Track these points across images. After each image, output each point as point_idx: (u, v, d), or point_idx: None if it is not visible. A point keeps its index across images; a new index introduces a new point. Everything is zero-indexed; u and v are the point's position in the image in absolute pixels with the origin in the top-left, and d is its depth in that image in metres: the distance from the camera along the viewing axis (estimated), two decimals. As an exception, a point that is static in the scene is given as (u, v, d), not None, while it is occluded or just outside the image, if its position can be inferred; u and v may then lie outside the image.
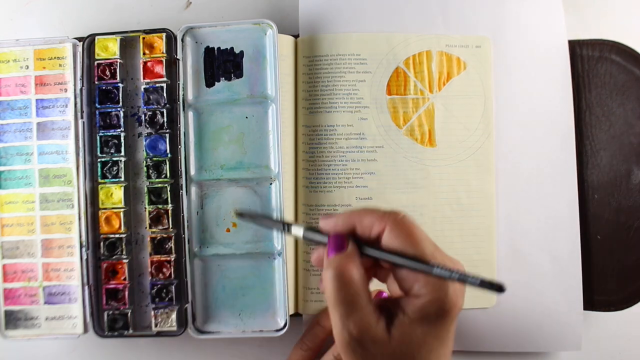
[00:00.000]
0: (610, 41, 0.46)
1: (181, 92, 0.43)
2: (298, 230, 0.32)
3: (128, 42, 0.45)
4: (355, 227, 0.31)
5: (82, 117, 0.44)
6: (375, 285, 0.34)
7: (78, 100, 0.44)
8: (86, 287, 0.43)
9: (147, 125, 0.44)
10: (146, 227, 0.44)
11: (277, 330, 0.43)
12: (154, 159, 0.44)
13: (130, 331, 0.43)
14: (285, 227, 0.33)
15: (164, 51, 0.44)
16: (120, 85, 0.44)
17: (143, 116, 0.44)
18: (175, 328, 0.43)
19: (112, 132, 0.44)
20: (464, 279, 0.27)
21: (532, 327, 0.45)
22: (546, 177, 0.45)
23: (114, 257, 0.44)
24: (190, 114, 0.44)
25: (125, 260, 0.44)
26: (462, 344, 0.45)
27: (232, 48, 0.44)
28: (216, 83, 0.44)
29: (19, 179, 0.44)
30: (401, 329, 0.29)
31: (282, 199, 0.43)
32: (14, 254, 0.44)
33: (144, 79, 0.44)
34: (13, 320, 0.44)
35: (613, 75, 0.46)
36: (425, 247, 0.29)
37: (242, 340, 0.46)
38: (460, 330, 0.45)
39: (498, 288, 0.25)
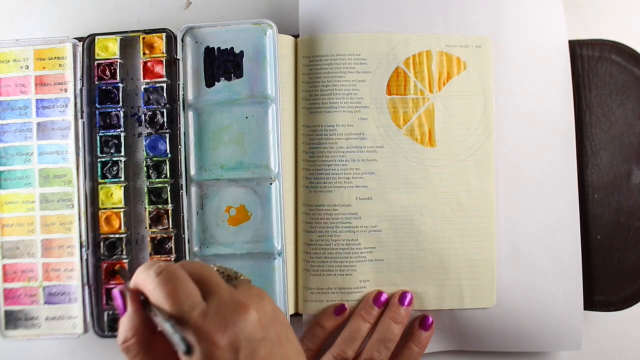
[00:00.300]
0: (610, 41, 0.46)
1: (181, 92, 0.43)
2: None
3: (128, 42, 0.45)
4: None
5: (82, 117, 0.44)
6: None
7: (78, 100, 0.44)
8: (86, 287, 0.43)
9: (147, 125, 0.44)
10: (146, 227, 0.44)
11: (277, 330, 0.43)
12: (154, 159, 0.44)
13: (130, 331, 0.43)
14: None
15: (164, 51, 0.44)
16: (120, 85, 0.44)
17: (143, 116, 0.44)
18: (175, 328, 0.43)
19: (112, 132, 0.44)
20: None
21: (532, 327, 0.45)
22: (546, 177, 0.45)
23: (114, 257, 0.44)
24: (190, 114, 0.44)
25: (125, 260, 0.44)
26: (462, 344, 0.45)
27: (232, 48, 0.44)
28: (216, 83, 0.44)
29: (19, 179, 0.44)
30: None
31: (282, 199, 0.43)
32: (14, 254, 0.44)
33: (144, 79, 0.44)
34: (13, 320, 0.44)
35: (613, 75, 0.46)
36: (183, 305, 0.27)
37: (242, 340, 0.46)
38: (460, 330, 0.45)
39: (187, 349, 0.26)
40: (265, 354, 0.27)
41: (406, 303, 0.43)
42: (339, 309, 0.44)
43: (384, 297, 0.44)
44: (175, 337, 0.26)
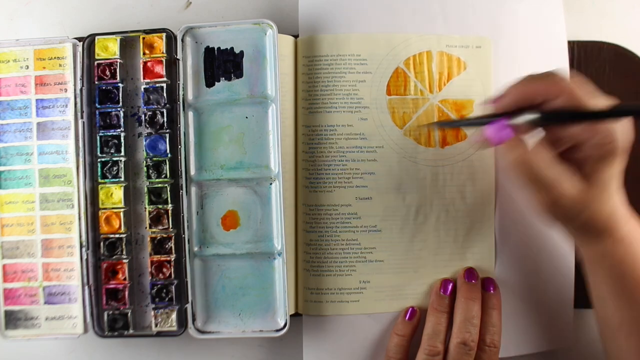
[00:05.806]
0: (609, 43, 0.46)
1: (181, 92, 0.43)
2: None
3: (128, 42, 0.45)
4: (521, 99, 0.34)
5: (82, 117, 0.44)
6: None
7: (78, 100, 0.44)
8: (86, 287, 0.43)
9: (147, 125, 0.44)
10: (146, 227, 0.44)
11: (277, 330, 0.43)
12: (154, 159, 0.44)
13: (130, 331, 0.43)
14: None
15: (164, 51, 0.44)
16: (120, 85, 0.44)
17: (143, 116, 0.44)
18: (175, 328, 0.43)
19: (112, 132, 0.44)
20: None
21: (528, 326, 0.45)
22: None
23: (114, 257, 0.44)
24: (190, 114, 0.44)
25: (125, 260, 0.44)
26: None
27: (232, 48, 0.44)
28: (216, 83, 0.44)
29: (19, 179, 0.44)
30: (595, 177, 0.34)
31: (282, 199, 0.43)
32: (14, 254, 0.44)
33: (144, 79, 0.44)
34: (13, 320, 0.44)
35: (613, 76, 0.46)
36: (597, 103, 0.33)
37: (242, 340, 0.46)
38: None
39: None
40: None
41: (474, 279, 0.43)
42: (410, 313, 0.44)
43: (449, 283, 0.44)
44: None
